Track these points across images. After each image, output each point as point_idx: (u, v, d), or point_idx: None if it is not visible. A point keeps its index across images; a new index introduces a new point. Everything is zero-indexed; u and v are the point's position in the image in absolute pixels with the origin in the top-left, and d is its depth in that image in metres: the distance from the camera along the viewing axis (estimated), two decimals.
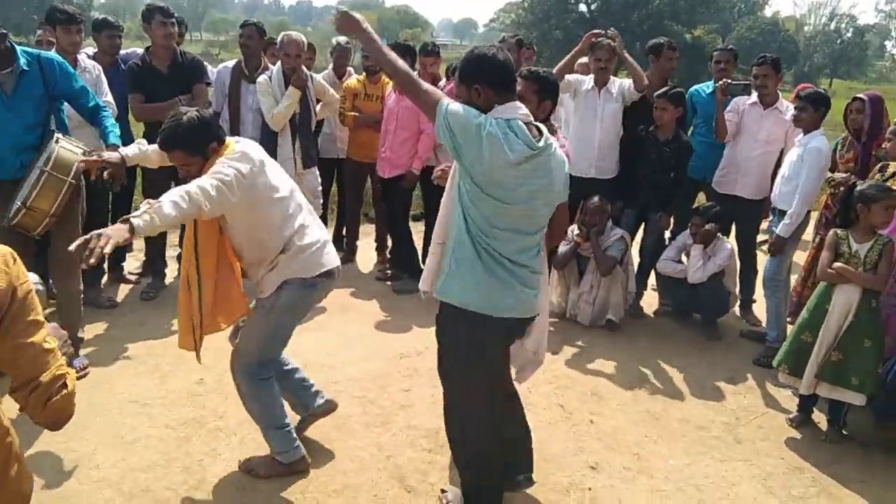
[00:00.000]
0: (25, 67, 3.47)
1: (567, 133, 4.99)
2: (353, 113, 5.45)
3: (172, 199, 2.39)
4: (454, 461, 2.91)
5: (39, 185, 3.25)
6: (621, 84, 4.99)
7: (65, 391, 1.49)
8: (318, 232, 2.98)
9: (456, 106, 2.31)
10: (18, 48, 3.49)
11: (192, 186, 2.47)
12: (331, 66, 5.90)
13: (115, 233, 2.15)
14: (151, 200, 2.36)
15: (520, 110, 2.39)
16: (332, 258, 2.99)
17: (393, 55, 2.46)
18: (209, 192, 2.49)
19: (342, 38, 6.04)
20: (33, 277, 1.68)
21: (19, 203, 3.28)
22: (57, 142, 3.37)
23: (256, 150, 2.81)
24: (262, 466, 3.02)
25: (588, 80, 5.00)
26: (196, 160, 2.73)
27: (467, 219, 2.38)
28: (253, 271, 2.93)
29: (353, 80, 5.62)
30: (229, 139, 2.82)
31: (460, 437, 2.71)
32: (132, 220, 2.24)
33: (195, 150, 2.72)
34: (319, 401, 3.28)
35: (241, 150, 2.73)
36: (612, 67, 5.00)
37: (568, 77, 4.91)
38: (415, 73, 2.50)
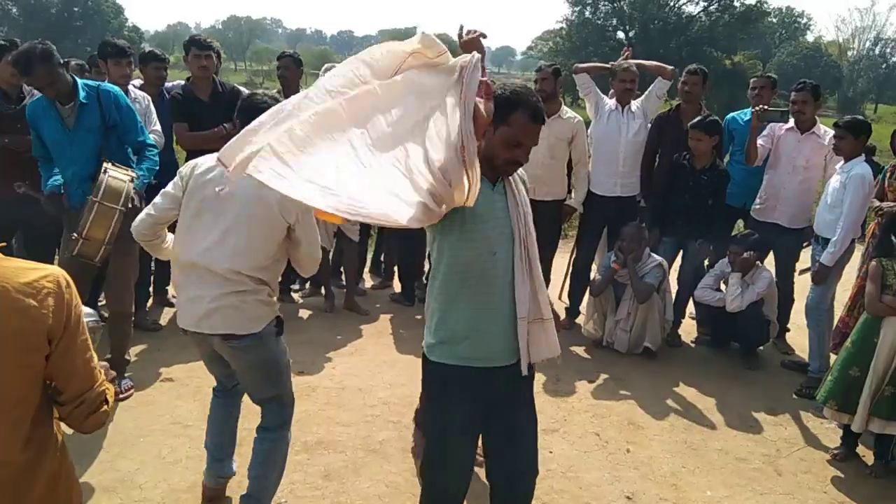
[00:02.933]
0: (85, 101, 3.62)
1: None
2: None
3: None
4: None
5: (92, 215, 3.38)
6: (641, 100, 5.23)
7: (105, 407, 1.59)
8: None
9: None
10: (79, 81, 3.65)
11: None
12: None
13: None
14: None
15: None
16: None
17: None
18: None
19: None
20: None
21: (75, 235, 3.42)
22: (105, 172, 3.50)
23: None
24: None
25: (611, 102, 5.21)
26: None
27: None
28: None
29: None
30: None
31: None
32: None
33: None
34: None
35: None
36: (636, 88, 5.22)
37: (599, 92, 5.22)
38: None
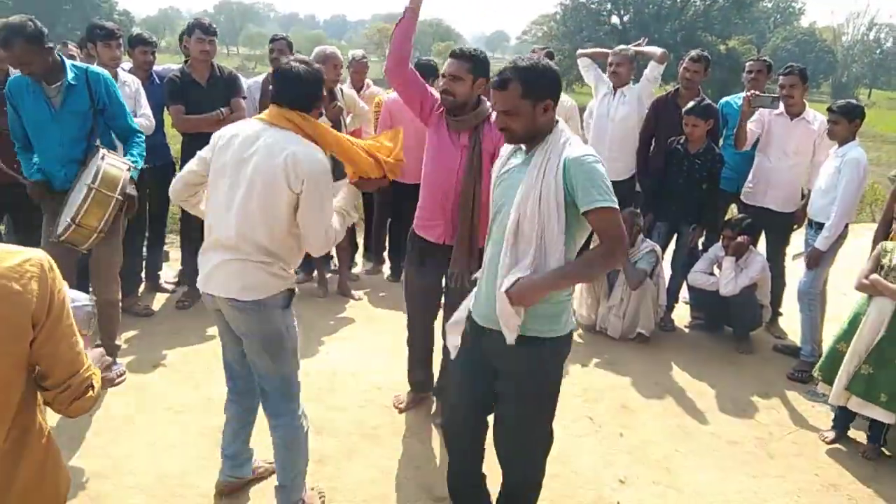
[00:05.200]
0: (73, 82, 3.55)
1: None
2: None
3: None
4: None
5: (88, 202, 3.28)
6: (637, 86, 5.29)
7: (91, 392, 1.54)
8: None
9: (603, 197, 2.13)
10: (67, 63, 3.59)
11: None
12: (348, 79, 5.95)
13: None
14: None
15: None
16: None
17: (575, 271, 2.25)
18: None
19: (358, 52, 6.10)
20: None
21: (68, 220, 3.32)
22: (103, 158, 3.41)
23: None
24: None
25: (608, 85, 5.30)
26: None
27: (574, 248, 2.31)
28: None
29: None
30: None
31: (541, 466, 2.65)
32: None
33: None
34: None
35: None
36: (627, 72, 5.27)
37: (600, 73, 5.44)
38: (582, 265, 2.26)
